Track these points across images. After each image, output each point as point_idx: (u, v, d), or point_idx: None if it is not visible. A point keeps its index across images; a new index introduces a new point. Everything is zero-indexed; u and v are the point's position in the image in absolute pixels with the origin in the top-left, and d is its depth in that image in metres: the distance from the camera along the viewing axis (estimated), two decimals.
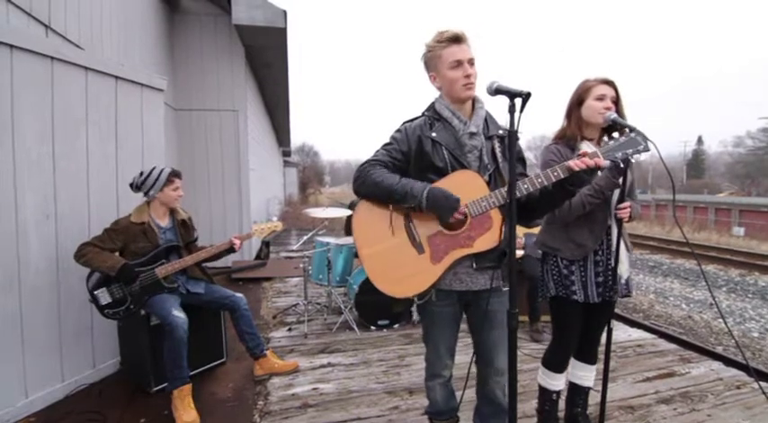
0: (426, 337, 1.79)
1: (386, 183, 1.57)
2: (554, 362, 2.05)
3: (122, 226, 2.56)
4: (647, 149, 1.56)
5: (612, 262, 1.88)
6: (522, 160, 1.73)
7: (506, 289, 1.63)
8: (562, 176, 1.49)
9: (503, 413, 1.71)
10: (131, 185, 2.63)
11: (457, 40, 1.56)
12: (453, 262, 1.57)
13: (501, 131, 1.65)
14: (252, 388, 2.78)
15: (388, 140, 1.69)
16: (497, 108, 1.73)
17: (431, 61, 1.63)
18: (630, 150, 1.54)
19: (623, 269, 1.92)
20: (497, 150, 1.62)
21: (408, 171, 1.65)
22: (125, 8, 4.29)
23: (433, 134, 1.61)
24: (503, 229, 1.55)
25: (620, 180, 1.80)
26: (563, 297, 1.91)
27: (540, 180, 1.50)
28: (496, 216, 1.55)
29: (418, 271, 1.58)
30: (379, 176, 1.58)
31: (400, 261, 1.59)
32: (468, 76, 1.56)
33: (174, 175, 2.63)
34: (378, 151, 1.68)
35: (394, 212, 1.62)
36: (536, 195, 1.57)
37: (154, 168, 2.61)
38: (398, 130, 1.69)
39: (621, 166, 1.69)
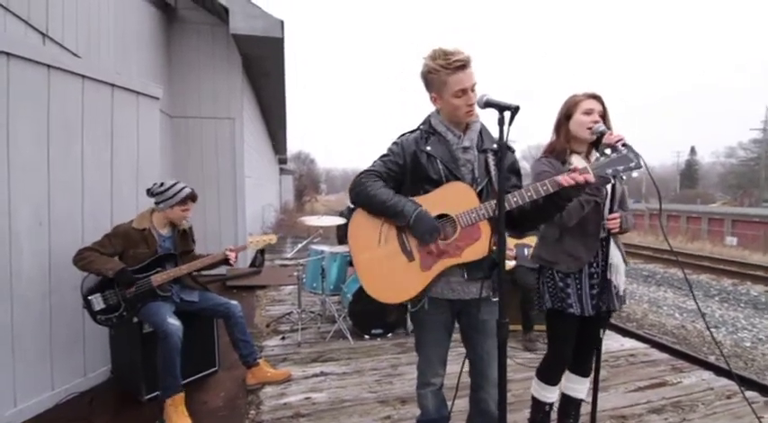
0: (418, 346, 1.81)
1: (379, 198, 1.60)
2: (549, 374, 2.05)
3: (122, 231, 2.56)
4: (638, 167, 1.54)
5: (608, 274, 1.89)
6: (517, 172, 1.75)
7: (496, 299, 1.65)
8: (551, 190, 1.52)
9: None
10: (148, 191, 2.63)
11: (464, 67, 1.54)
12: (442, 271, 1.60)
13: (495, 145, 1.66)
14: (244, 397, 2.76)
15: (385, 152, 1.72)
16: (489, 119, 1.76)
17: (434, 83, 1.61)
18: (621, 167, 1.54)
19: (620, 281, 1.93)
20: (491, 163, 1.65)
21: (404, 182, 1.68)
22: (122, 17, 4.32)
23: (428, 148, 1.64)
24: (491, 241, 1.57)
25: (613, 183, 1.82)
26: (559, 310, 1.92)
27: (529, 194, 1.53)
28: (485, 228, 1.57)
29: (407, 278, 1.61)
30: (374, 190, 1.62)
31: (391, 268, 1.63)
32: (470, 105, 1.58)
33: (191, 198, 2.63)
34: (375, 162, 1.71)
35: (386, 222, 1.65)
36: (527, 208, 1.59)
37: (176, 184, 2.60)
38: (395, 143, 1.72)
39: (611, 176, 1.64)
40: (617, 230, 1.88)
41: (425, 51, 1.62)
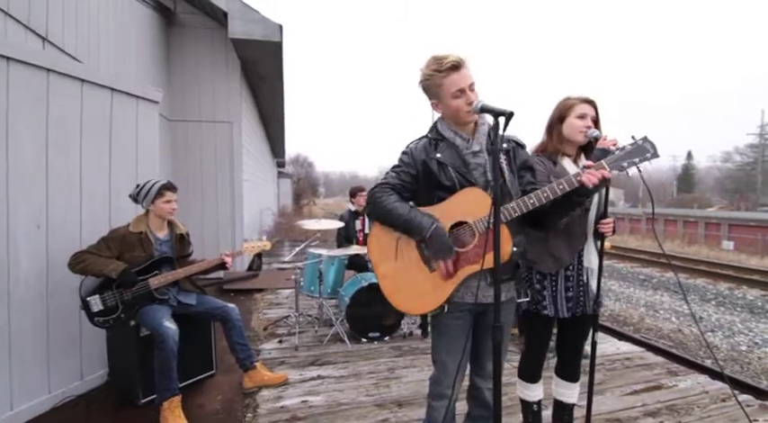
0: (435, 352, 1.77)
1: (395, 213, 1.61)
2: (527, 373, 2.09)
3: (119, 234, 2.57)
4: (656, 155, 1.55)
5: (585, 278, 1.91)
6: (530, 168, 1.76)
7: (519, 300, 1.69)
8: (567, 189, 1.54)
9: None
10: (130, 197, 2.66)
11: (456, 67, 1.54)
12: (465, 278, 1.60)
13: (506, 145, 1.68)
14: (241, 400, 2.77)
15: (396, 163, 1.73)
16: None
17: (431, 89, 1.63)
18: (638, 158, 1.55)
19: (596, 284, 1.95)
20: (503, 164, 1.64)
21: (419, 190, 1.69)
22: (122, 21, 4.35)
23: (438, 155, 1.64)
24: (512, 244, 1.57)
25: (607, 186, 1.84)
26: (533, 312, 1.94)
27: (545, 194, 1.54)
28: (504, 232, 1.54)
29: (431, 288, 1.61)
30: (390, 205, 1.62)
31: (412, 278, 1.63)
32: (470, 104, 1.57)
33: (166, 188, 2.62)
34: (388, 174, 1.72)
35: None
36: (547, 206, 1.59)
37: (148, 182, 2.63)
38: (405, 153, 1.72)
39: (626, 168, 1.61)
40: (610, 235, 1.90)
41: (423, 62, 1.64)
